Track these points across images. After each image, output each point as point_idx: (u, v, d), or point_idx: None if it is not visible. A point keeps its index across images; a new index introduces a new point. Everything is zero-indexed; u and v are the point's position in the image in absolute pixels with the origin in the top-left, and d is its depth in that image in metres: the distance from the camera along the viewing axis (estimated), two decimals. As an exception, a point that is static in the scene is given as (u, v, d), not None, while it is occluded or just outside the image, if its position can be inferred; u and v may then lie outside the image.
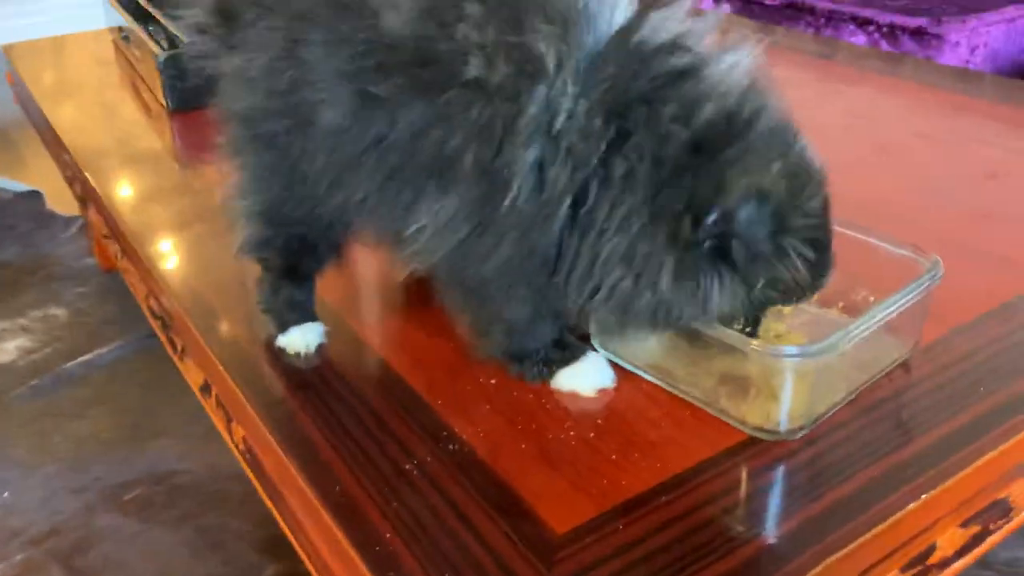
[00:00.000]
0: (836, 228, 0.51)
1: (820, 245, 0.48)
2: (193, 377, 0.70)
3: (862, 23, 1.64)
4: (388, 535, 0.45)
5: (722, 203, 0.45)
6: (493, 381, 0.57)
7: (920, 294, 0.54)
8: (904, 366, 0.57)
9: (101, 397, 1.25)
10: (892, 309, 0.52)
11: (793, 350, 0.49)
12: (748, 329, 0.52)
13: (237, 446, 0.61)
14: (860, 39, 1.65)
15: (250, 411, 0.56)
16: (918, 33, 1.56)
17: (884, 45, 1.61)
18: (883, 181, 0.84)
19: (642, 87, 0.46)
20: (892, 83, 1.12)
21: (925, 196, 0.81)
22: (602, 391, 0.56)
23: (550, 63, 0.46)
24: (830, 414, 0.53)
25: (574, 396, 0.56)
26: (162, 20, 1.20)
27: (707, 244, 0.46)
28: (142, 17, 1.24)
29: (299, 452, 0.52)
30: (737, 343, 0.50)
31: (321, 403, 0.56)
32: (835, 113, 1.01)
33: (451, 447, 0.52)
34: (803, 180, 0.47)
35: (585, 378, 0.56)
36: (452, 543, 0.45)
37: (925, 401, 0.54)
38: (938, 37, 1.54)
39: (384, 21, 0.48)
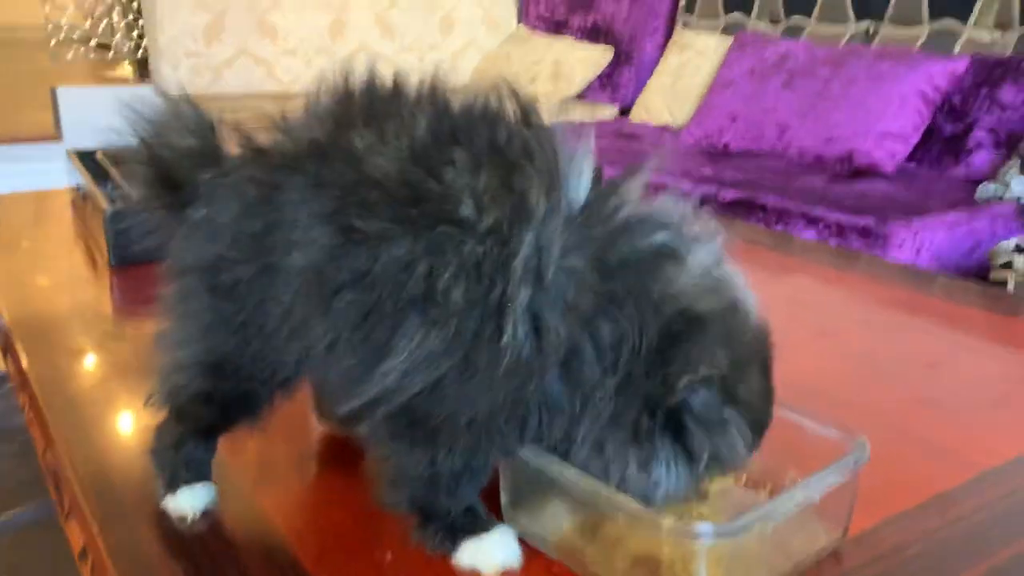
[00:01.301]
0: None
1: (760, 425, 0.50)
2: (75, 541, 0.64)
3: (812, 220, 1.70)
4: None
5: (683, 391, 0.46)
6: (388, 556, 0.52)
7: (844, 475, 0.51)
8: (835, 555, 0.53)
9: (3, 565, 1.15)
10: (812, 489, 0.49)
11: (708, 528, 0.45)
12: None
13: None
14: (810, 234, 1.70)
15: (116, 579, 0.51)
16: (865, 232, 1.61)
17: (832, 242, 1.66)
18: (824, 364, 0.83)
19: (629, 255, 0.47)
20: (838, 275, 1.14)
21: (865, 380, 0.80)
22: (506, 573, 0.51)
23: (540, 211, 0.46)
24: (751, 606, 0.48)
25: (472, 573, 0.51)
26: (117, 179, 1.21)
27: (664, 430, 0.47)
28: (100, 175, 1.26)
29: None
30: (649, 520, 0.46)
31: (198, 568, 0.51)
32: (780, 299, 1.02)
33: (328, 628, 0.46)
34: (753, 363, 0.49)
35: (490, 555, 0.51)
36: None
37: (855, 596, 0.50)
38: (883, 236, 1.59)
39: (369, 165, 0.48)
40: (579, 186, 0.48)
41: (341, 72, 0.53)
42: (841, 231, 1.65)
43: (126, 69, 3.73)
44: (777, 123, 2.22)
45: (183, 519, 0.56)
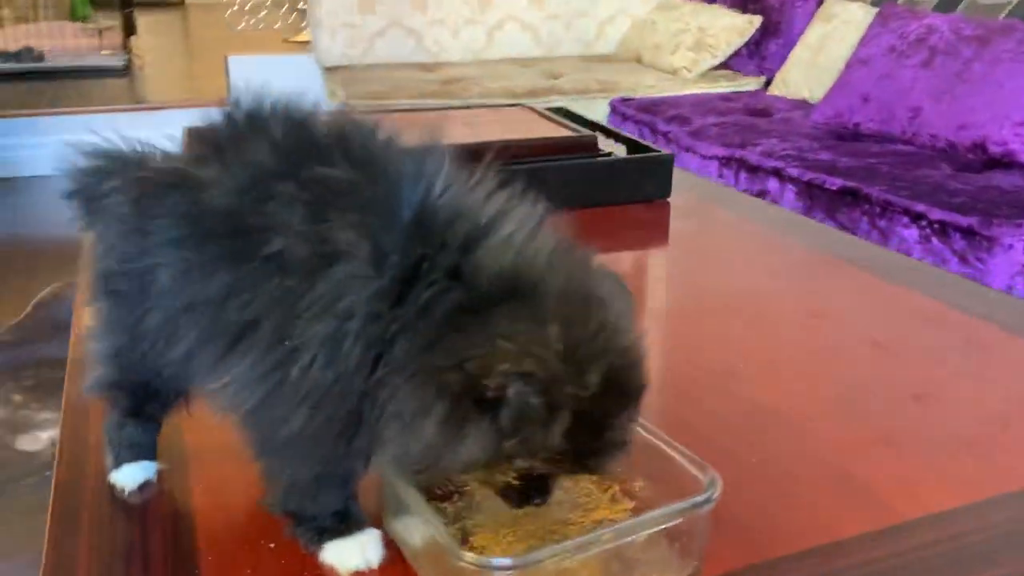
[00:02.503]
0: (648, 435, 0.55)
1: (587, 419, 0.48)
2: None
3: (915, 217, 1.59)
4: None
5: (489, 365, 0.46)
6: (272, 545, 0.59)
7: (678, 517, 0.52)
8: (692, 589, 0.55)
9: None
10: (627, 531, 0.50)
11: (504, 562, 0.48)
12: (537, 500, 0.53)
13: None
14: (912, 232, 1.60)
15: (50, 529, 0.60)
16: (969, 233, 1.50)
17: (935, 241, 1.55)
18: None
19: (431, 259, 0.48)
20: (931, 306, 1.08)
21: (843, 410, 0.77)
22: (360, 572, 0.56)
23: (345, 248, 0.49)
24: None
25: (333, 570, 0.56)
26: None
27: (468, 398, 0.46)
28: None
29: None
30: (451, 550, 0.49)
31: (109, 536, 0.60)
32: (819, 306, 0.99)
33: (187, 606, 0.53)
34: (584, 352, 0.47)
35: (346, 555, 0.56)
36: None
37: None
38: (989, 239, 1.47)
39: (208, 196, 0.54)
40: (423, 196, 0.50)
41: (230, 97, 0.58)
42: (944, 230, 1.54)
43: (293, 38, 3.98)
44: (910, 106, 2.07)
45: (121, 491, 0.65)
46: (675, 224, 1.35)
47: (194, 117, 0.59)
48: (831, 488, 0.66)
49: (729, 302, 1.05)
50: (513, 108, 1.67)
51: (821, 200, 1.82)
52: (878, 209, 1.68)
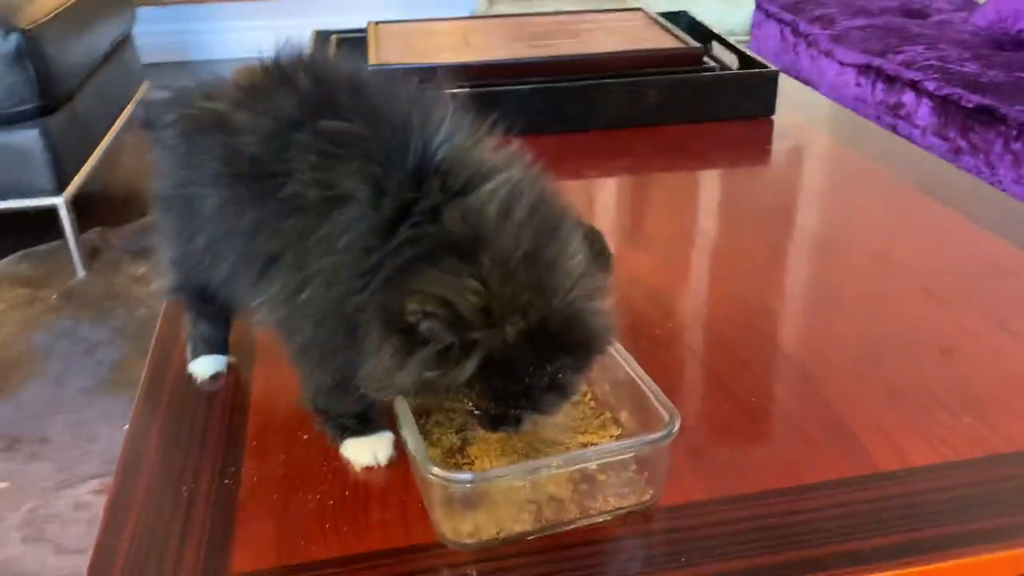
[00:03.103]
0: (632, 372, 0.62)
1: (504, 365, 0.53)
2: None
3: (1051, 142, 1.48)
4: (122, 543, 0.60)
5: (411, 303, 0.52)
6: (305, 436, 0.69)
7: (637, 450, 0.58)
8: (645, 514, 0.61)
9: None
10: (576, 459, 0.57)
11: (466, 476, 0.57)
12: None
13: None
14: (1046, 159, 1.49)
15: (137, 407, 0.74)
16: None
17: (1068, 171, 1.45)
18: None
19: (419, 202, 0.55)
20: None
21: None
22: (371, 468, 0.66)
23: (348, 192, 0.56)
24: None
25: (349, 463, 0.66)
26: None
27: (396, 330, 0.53)
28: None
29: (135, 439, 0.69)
30: (420, 462, 0.57)
31: (181, 414, 0.73)
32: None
33: (226, 481, 0.65)
34: (504, 306, 0.52)
35: (360, 452, 0.66)
36: (155, 563, 0.58)
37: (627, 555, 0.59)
38: None
39: (239, 139, 0.62)
40: (427, 146, 0.56)
41: (275, 46, 0.66)
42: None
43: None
44: (1082, 12, 1.87)
45: (195, 380, 0.77)
46: (768, 145, 1.33)
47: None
48: (817, 435, 0.69)
49: (792, 234, 1.06)
50: (627, 12, 1.65)
51: (956, 118, 1.71)
52: (1014, 131, 1.57)
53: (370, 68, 1.27)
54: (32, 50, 1.75)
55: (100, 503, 1.30)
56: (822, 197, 1.19)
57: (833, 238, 1.04)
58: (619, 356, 0.66)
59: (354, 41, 1.59)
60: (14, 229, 2.06)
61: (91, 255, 2.00)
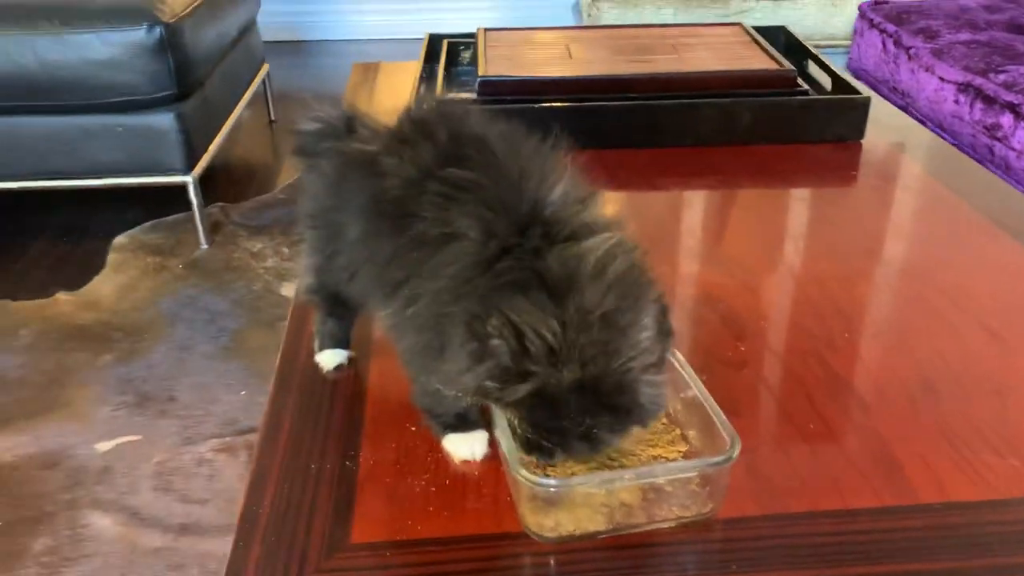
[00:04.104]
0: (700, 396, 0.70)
1: (549, 403, 0.60)
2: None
3: None
4: (263, 508, 0.73)
5: (491, 323, 0.60)
6: (413, 428, 0.81)
7: (700, 469, 0.68)
8: (704, 524, 0.70)
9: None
10: (648, 474, 0.67)
11: (549, 480, 0.67)
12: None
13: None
14: None
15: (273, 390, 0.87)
16: None
17: None
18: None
19: (522, 245, 0.64)
20: None
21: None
22: (468, 461, 0.77)
23: (462, 231, 0.66)
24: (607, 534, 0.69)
25: (449, 456, 0.78)
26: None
27: (474, 340, 0.61)
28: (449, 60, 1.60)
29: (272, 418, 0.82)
30: (511, 462, 0.67)
31: (310, 399, 0.85)
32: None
33: (347, 463, 0.77)
34: (569, 353, 0.59)
35: (459, 447, 0.77)
36: (291, 527, 0.70)
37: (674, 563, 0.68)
38: None
39: (385, 182, 0.72)
40: (538, 199, 0.65)
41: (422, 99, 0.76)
42: None
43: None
44: None
45: (321, 369, 0.90)
46: (855, 171, 1.38)
47: None
48: (866, 463, 0.77)
49: (866, 262, 1.12)
50: (726, 28, 1.71)
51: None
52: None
53: (479, 80, 1.38)
54: (173, 41, 1.92)
55: (219, 461, 1.46)
56: (900, 227, 1.24)
57: (905, 270, 1.10)
58: (689, 378, 0.75)
59: (465, 46, 1.70)
60: (140, 198, 2.25)
61: (213, 229, 2.17)
